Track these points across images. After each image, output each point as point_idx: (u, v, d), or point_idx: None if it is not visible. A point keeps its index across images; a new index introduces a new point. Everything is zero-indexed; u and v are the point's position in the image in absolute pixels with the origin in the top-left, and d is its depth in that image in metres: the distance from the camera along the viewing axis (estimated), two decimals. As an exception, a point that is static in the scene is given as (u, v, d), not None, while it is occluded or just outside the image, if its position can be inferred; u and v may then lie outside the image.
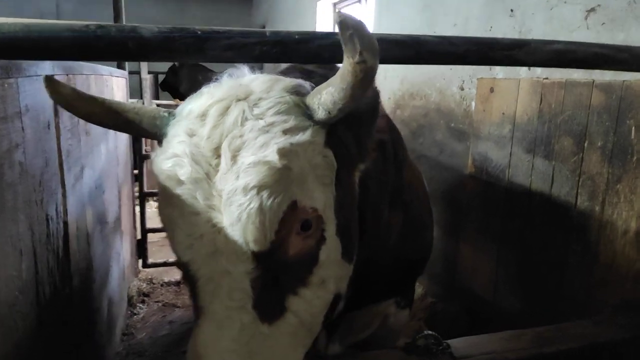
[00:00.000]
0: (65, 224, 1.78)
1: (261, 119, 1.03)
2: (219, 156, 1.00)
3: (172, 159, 1.03)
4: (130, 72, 4.29)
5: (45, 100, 1.51)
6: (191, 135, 1.03)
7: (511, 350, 1.81)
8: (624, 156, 2.14)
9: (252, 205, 0.95)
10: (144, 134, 1.14)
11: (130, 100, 3.75)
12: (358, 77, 0.92)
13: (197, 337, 1.00)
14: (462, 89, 3.39)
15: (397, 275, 1.78)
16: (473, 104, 3.20)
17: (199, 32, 1.06)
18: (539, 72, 2.73)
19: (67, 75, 1.90)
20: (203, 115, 1.05)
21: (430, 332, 1.80)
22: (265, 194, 0.95)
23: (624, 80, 2.16)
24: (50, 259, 1.59)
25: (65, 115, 1.79)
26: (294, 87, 1.11)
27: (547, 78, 2.61)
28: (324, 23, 6.75)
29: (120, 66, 3.78)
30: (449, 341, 1.84)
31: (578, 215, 2.36)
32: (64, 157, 1.77)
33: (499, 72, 3.03)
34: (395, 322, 1.94)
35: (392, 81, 4.23)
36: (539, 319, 2.51)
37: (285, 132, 1.01)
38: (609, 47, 1.41)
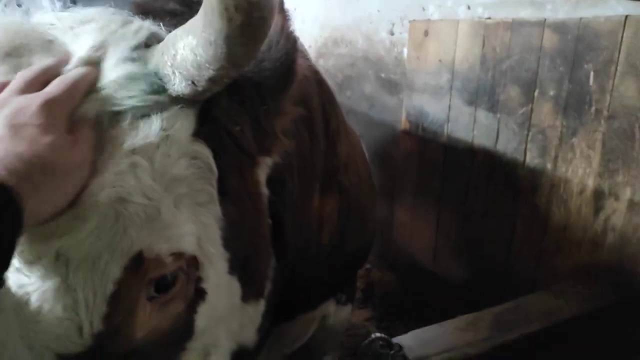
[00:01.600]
0: None
1: None
2: None
3: None
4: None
5: None
6: None
7: (471, 343, 1.54)
8: (580, 106, 1.88)
9: (47, 285, 0.52)
10: None
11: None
12: (235, 22, 0.46)
13: None
14: (392, 34, 2.99)
15: (335, 275, 1.39)
16: (405, 50, 2.83)
17: None
18: (480, 11, 2.39)
19: None
20: None
21: (378, 334, 1.48)
22: (71, 266, 0.53)
23: (580, 18, 1.87)
24: None
25: None
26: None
27: (489, 18, 2.28)
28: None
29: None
30: (400, 339, 1.54)
31: (527, 174, 2.11)
32: None
33: (434, 12, 2.66)
34: (335, 322, 1.58)
35: (312, 26, 3.73)
36: (483, 289, 2.31)
37: None
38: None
